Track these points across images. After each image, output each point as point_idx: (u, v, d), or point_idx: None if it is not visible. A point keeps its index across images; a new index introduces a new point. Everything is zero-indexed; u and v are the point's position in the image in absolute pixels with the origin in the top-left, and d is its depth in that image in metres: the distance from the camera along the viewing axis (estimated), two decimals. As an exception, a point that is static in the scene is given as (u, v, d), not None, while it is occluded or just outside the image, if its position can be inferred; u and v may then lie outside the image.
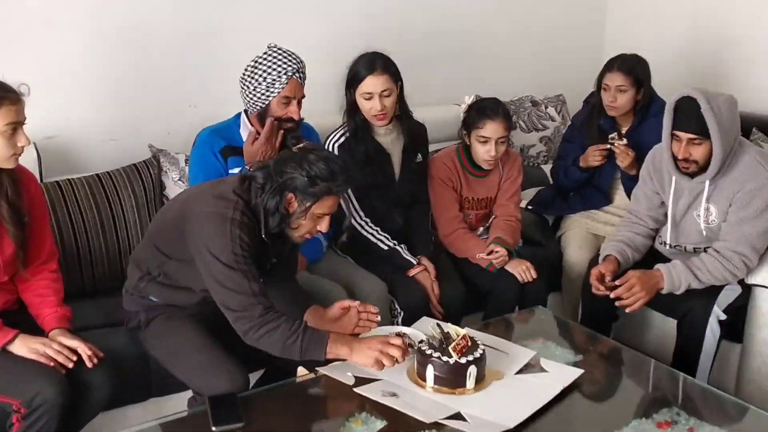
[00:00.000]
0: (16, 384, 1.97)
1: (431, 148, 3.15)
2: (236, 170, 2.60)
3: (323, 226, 2.13)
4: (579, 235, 3.19)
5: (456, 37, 3.79)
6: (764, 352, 2.62)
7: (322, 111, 2.92)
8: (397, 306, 2.71)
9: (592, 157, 3.14)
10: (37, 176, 2.68)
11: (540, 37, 4.07)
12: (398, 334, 2.27)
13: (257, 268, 2.15)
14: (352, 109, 2.78)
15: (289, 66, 2.56)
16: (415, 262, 2.78)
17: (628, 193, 3.09)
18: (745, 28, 3.66)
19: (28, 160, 2.61)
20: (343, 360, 2.07)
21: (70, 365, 2.04)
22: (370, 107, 2.72)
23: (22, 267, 2.17)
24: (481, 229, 3.03)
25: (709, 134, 2.46)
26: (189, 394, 2.29)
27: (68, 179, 2.71)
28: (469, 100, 2.92)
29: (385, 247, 2.79)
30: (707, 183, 2.57)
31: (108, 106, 3.01)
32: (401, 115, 2.84)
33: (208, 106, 2.85)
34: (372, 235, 2.79)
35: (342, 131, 2.81)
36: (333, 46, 3.35)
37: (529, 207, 3.36)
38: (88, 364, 2.06)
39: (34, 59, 2.82)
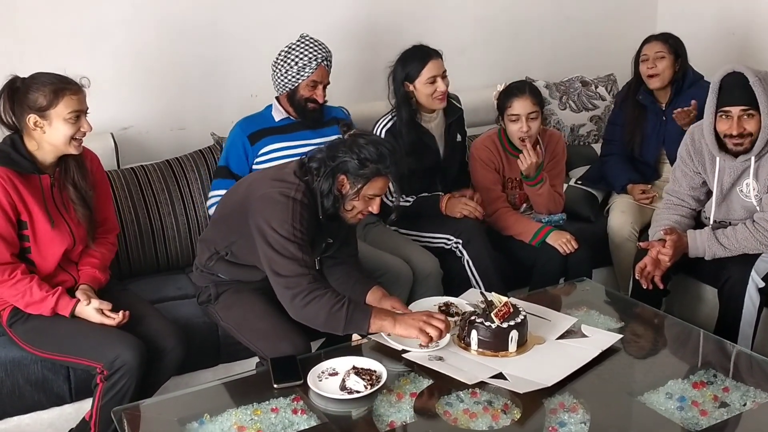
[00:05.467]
0: (99, 349, 2.18)
1: (479, 130, 3.26)
2: (269, 148, 2.85)
3: (374, 207, 2.25)
4: (623, 202, 3.25)
5: (505, 21, 3.86)
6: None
7: (369, 96, 3.08)
8: (462, 250, 2.85)
9: (638, 197, 3.22)
10: (114, 164, 2.92)
11: (590, 18, 4.08)
12: (446, 304, 2.41)
13: (313, 248, 2.30)
14: (404, 101, 2.93)
15: (319, 54, 2.78)
16: (440, 193, 2.94)
17: (672, 160, 3.10)
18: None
19: (105, 149, 2.88)
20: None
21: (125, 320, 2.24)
22: (433, 90, 2.90)
23: (91, 240, 2.39)
24: (524, 206, 3.12)
25: (758, 107, 2.47)
26: (254, 360, 2.48)
27: (142, 165, 2.93)
28: (500, 87, 3.00)
29: (409, 204, 2.95)
30: (753, 159, 2.58)
31: (176, 99, 3.21)
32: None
33: (267, 95, 3.01)
34: (397, 200, 2.95)
35: (390, 116, 2.97)
36: (386, 32, 3.51)
37: (579, 182, 3.42)
38: (113, 323, 2.23)
39: (109, 57, 3.04)
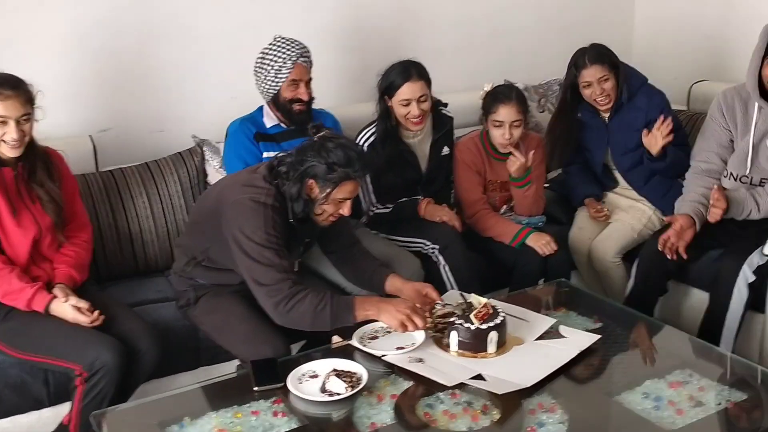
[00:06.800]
0: (77, 350, 2.17)
1: (459, 133, 3.27)
2: (265, 155, 2.79)
3: (345, 210, 2.26)
4: (582, 215, 3.24)
5: (484, 23, 3.87)
6: (786, 321, 2.70)
7: (352, 99, 3.05)
8: (438, 255, 2.84)
9: (593, 216, 3.20)
10: (93, 166, 2.90)
11: (568, 20, 4.10)
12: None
13: (289, 250, 2.30)
14: (384, 115, 2.90)
15: (293, 52, 2.74)
16: (419, 197, 2.93)
17: (623, 172, 3.19)
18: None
19: (83, 151, 2.88)
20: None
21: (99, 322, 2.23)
22: (407, 113, 2.85)
23: (60, 232, 2.39)
24: (505, 207, 3.14)
25: None
26: (235, 363, 2.47)
27: (120, 168, 2.90)
28: (487, 87, 3.02)
29: (389, 210, 2.95)
30: None
31: (156, 101, 3.20)
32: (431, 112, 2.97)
33: (247, 97, 3.01)
34: (377, 209, 2.97)
35: (373, 130, 2.93)
36: (369, 35, 3.53)
37: (548, 185, 3.41)
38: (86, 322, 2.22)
39: (88, 59, 3.02)
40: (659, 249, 2.76)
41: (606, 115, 3.14)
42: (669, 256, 2.75)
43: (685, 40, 3.91)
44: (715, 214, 2.71)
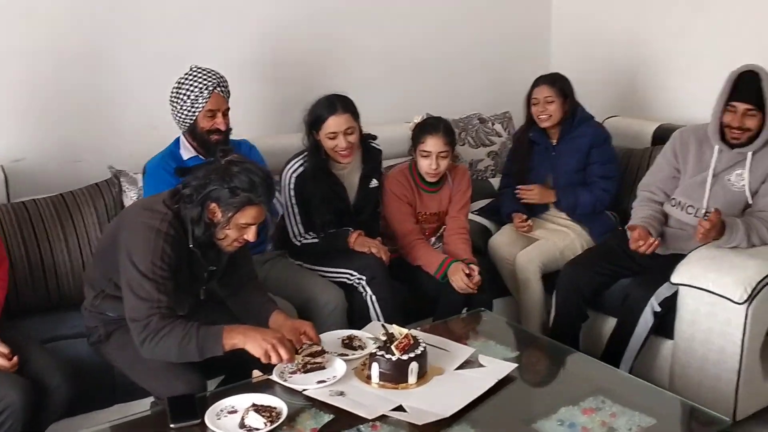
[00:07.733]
0: (-20, 391, 2.07)
1: (383, 164, 3.31)
2: None
3: (249, 235, 2.23)
4: (507, 227, 3.43)
5: (406, 59, 3.97)
6: (692, 347, 2.81)
7: (275, 130, 3.04)
8: (365, 286, 2.84)
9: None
10: (4, 197, 2.81)
11: (487, 58, 4.25)
12: (349, 337, 2.43)
13: (194, 278, 2.28)
14: (313, 149, 2.90)
15: (210, 81, 2.72)
16: (349, 229, 2.94)
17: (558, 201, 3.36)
18: (676, 42, 3.87)
19: (-5, 182, 2.76)
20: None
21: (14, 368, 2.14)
22: (334, 145, 2.85)
23: None
24: (434, 239, 3.19)
25: (763, 107, 2.73)
26: (152, 399, 2.42)
27: (34, 199, 2.81)
28: (417, 119, 3.09)
29: (317, 240, 2.94)
30: (750, 154, 2.81)
31: (73, 130, 3.13)
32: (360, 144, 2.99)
33: (167, 127, 2.98)
34: (305, 239, 2.96)
35: (300, 161, 2.92)
36: (291, 66, 3.56)
37: (476, 212, 3.54)
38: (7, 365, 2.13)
39: (1, 86, 2.94)
40: (631, 248, 2.90)
41: (554, 140, 3.37)
42: (643, 250, 2.88)
43: (597, 80, 4.10)
44: (703, 226, 2.72)
